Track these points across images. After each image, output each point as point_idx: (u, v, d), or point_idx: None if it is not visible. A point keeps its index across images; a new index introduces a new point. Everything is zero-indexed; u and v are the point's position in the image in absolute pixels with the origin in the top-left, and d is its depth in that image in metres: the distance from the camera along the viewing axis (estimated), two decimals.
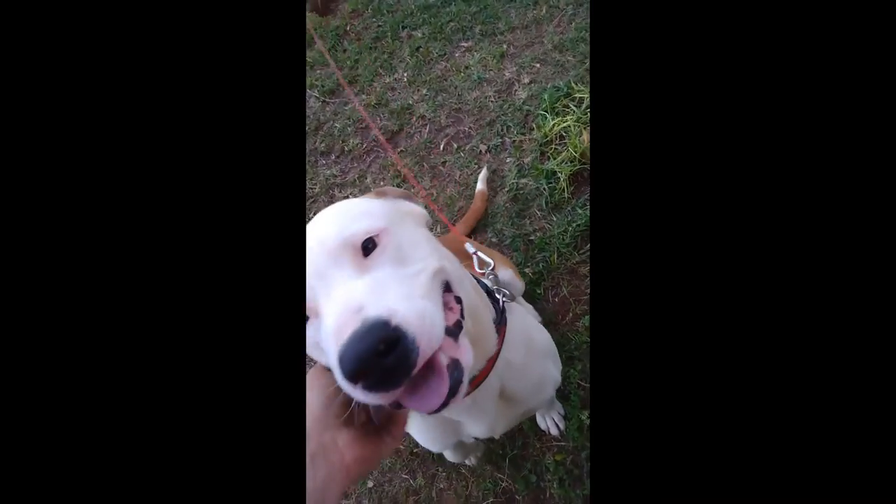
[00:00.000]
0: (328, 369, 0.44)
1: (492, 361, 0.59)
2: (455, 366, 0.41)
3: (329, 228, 0.47)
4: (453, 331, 0.44)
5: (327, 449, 0.43)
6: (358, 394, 0.38)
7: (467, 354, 0.43)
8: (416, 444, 1.23)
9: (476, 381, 0.57)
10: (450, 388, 0.40)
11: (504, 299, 0.65)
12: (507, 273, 1.08)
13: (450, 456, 1.03)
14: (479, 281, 0.66)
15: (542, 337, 0.79)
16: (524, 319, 0.75)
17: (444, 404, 0.40)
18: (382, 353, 0.36)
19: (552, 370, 0.78)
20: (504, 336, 0.61)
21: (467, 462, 1.18)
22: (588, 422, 1.13)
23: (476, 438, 0.76)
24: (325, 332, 0.41)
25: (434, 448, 0.80)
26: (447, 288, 0.48)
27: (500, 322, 0.62)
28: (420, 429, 0.73)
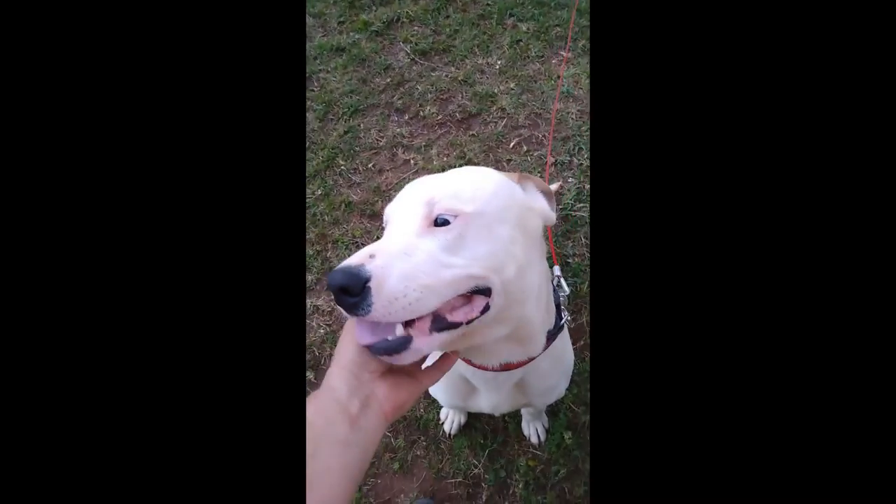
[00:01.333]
0: None
1: (531, 359, 0.65)
2: (403, 341, 0.47)
3: (434, 184, 0.54)
4: (443, 325, 0.49)
5: (369, 400, 0.48)
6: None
7: (427, 346, 0.48)
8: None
9: (510, 367, 0.64)
10: (376, 345, 0.46)
11: (567, 319, 0.72)
12: None
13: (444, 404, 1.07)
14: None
15: (570, 357, 0.88)
16: (564, 339, 0.81)
17: (370, 347, 0.47)
18: (346, 293, 0.44)
19: (562, 385, 0.88)
20: (550, 346, 0.67)
21: (446, 428, 1.28)
22: (569, 441, 1.22)
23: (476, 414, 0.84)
24: None
25: (439, 397, 0.89)
26: (480, 291, 0.52)
27: (554, 335, 0.67)
28: (442, 386, 0.82)
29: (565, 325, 0.72)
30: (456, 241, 0.50)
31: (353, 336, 0.49)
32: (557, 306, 0.70)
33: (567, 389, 1.29)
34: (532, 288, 0.57)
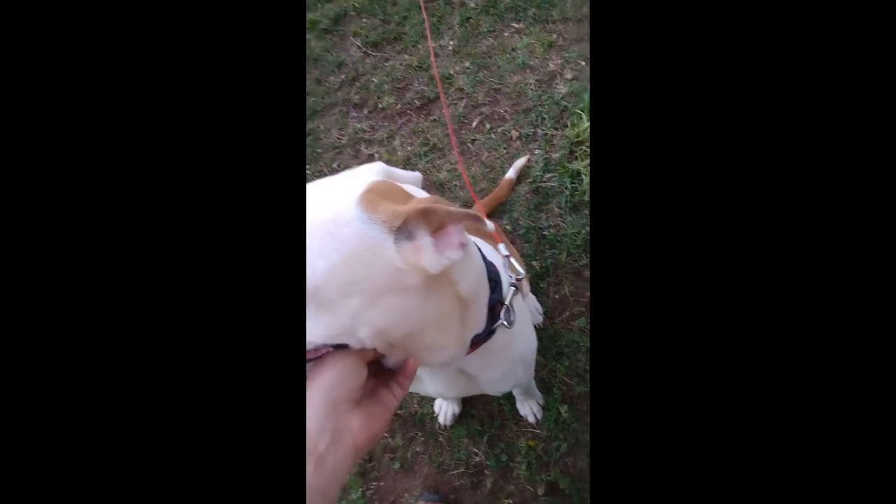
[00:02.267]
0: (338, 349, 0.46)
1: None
2: None
3: None
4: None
5: (341, 434, 0.44)
6: None
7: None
8: (402, 407, 1.30)
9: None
10: None
11: (502, 322, 0.62)
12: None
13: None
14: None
15: (520, 348, 0.74)
16: (508, 334, 0.66)
17: None
18: None
19: (519, 373, 0.78)
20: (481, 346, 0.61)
21: (441, 420, 1.25)
22: (566, 415, 1.20)
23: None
24: None
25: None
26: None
27: (483, 339, 0.60)
28: None
29: (505, 323, 0.62)
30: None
31: (337, 363, 0.46)
32: (492, 308, 0.61)
33: (557, 362, 1.28)
34: (425, 328, 0.50)
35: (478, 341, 0.59)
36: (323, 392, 0.45)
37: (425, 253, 0.46)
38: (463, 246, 0.48)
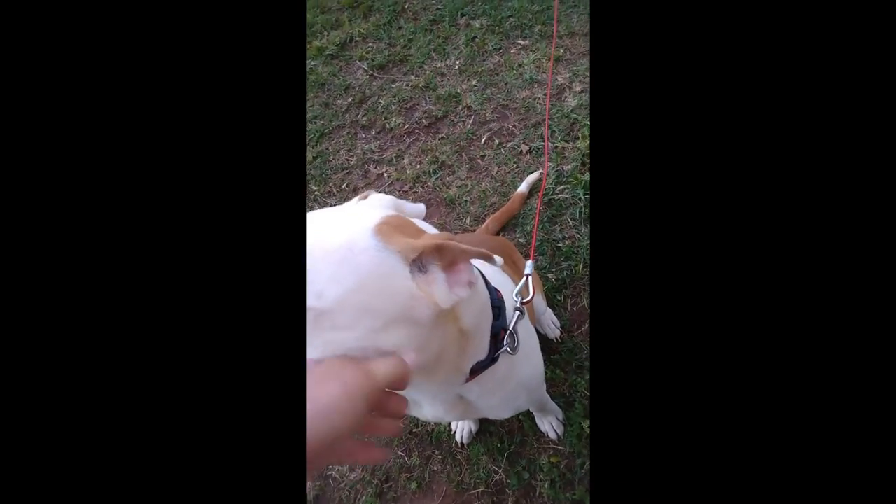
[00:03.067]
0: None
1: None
2: None
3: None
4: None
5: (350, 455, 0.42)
6: None
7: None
8: (417, 425, 1.27)
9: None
10: None
11: (506, 349, 0.61)
12: (537, 297, 1.09)
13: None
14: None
15: (527, 373, 0.73)
16: (510, 360, 0.65)
17: None
18: None
19: (521, 399, 0.76)
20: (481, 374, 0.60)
21: (458, 438, 1.21)
22: (589, 431, 1.16)
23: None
24: None
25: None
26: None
27: (485, 366, 0.59)
28: None
29: (509, 350, 0.61)
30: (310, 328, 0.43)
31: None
32: (496, 335, 0.60)
33: (578, 376, 1.24)
34: (426, 357, 0.49)
35: (479, 368, 0.58)
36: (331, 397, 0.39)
37: (437, 287, 0.46)
38: (472, 284, 0.48)
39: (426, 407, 0.70)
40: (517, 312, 0.65)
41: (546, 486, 1.14)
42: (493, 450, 1.20)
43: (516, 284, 0.71)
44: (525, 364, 0.71)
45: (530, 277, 0.72)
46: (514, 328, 0.62)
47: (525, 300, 0.68)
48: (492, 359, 0.59)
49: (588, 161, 1.56)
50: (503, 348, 0.61)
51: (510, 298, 0.67)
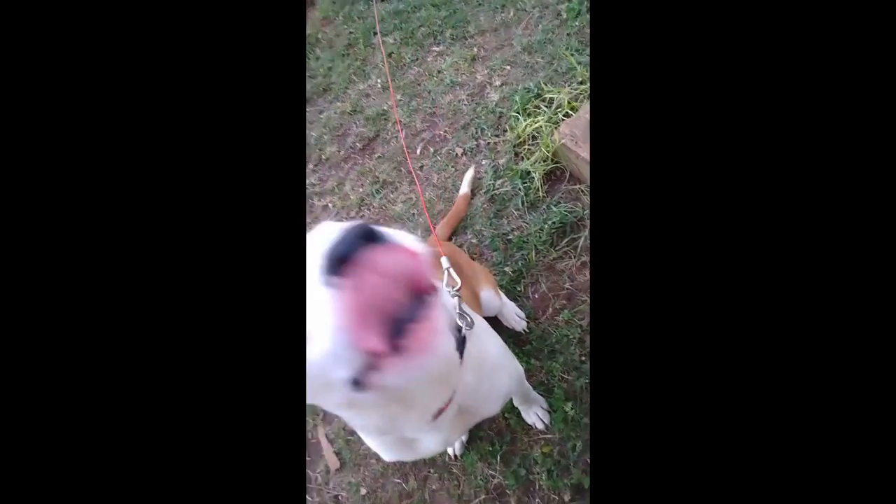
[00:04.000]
0: None
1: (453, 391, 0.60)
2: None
3: None
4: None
5: None
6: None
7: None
8: None
9: (440, 411, 0.59)
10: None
11: (466, 328, 0.65)
12: (487, 293, 1.12)
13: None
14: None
15: (494, 351, 0.79)
16: (480, 340, 0.72)
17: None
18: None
19: (503, 380, 0.79)
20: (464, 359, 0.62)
21: (450, 451, 1.20)
22: (573, 412, 1.16)
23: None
24: None
25: (383, 454, 0.79)
26: None
27: (461, 351, 0.62)
28: (380, 446, 0.74)
29: (466, 327, 0.66)
30: None
31: None
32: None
33: (552, 360, 1.24)
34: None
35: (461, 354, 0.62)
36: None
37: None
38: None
39: (428, 438, 0.70)
40: (455, 298, 0.71)
41: (544, 477, 1.13)
42: (486, 454, 1.19)
43: (458, 284, 0.75)
44: (486, 336, 0.78)
45: (450, 269, 0.77)
46: (461, 309, 0.68)
47: (457, 288, 0.73)
48: (461, 341, 0.63)
49: (519, 150, 1.58)
50: (463, 328, 0.65)
51: (444, 292, 0.71)
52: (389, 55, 2.10)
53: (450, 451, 1.21)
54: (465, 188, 1.55)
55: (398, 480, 1.23)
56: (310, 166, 1.94)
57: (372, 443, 0.75)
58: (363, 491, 1.25)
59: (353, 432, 1.31)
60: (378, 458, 1.26)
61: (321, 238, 0.49)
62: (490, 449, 1.19)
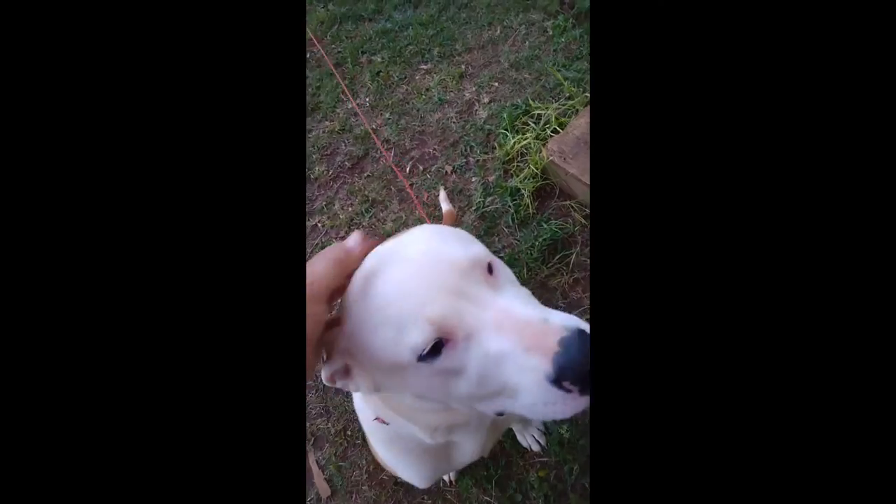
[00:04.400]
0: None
1: None
2: None
3: (453, 248, 0.45)
4: None
5: None
6: (570, 402, 0.40)
7: None
8: None
9: None
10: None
11: None
12: None
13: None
14: None
15: None
16: None
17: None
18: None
19: None
20: None
21: (445, 477, 1.18)
22: (568, 435, 1.14)
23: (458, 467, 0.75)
24: (496, 350, 0.41)
25: (424, 484, 0.78)
26: None
27: None
28: (412, 465, 0.72)
29: None
30: (506, 273, 0.49)
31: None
32: None
33: None
34: None
35: None
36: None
37: None
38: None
39: (466, 445, 0.67)
40: None
41: (540, 502, 1.11)
42: (480, 479, 1.17)
43: None
44: None
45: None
46: None
47: None
48: None
49: (509, 167, 1.58)
50: None
51: None
52: (377, 74, 2.11)
53: (444, 477, 1.18)
54: (445, 206, 1.53)
55: None
56: None
57: (407, 471, 0.73)
58: None
59: (344, 458, 1.28)
60: (371, 485, 1.23)
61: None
62: (485, 474, 1.17)
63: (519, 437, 1.17)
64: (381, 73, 2.10)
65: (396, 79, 2.06)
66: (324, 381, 0.50)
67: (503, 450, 1.19)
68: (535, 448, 1.16)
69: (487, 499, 1.14)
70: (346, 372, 0.49)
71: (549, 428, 1.17)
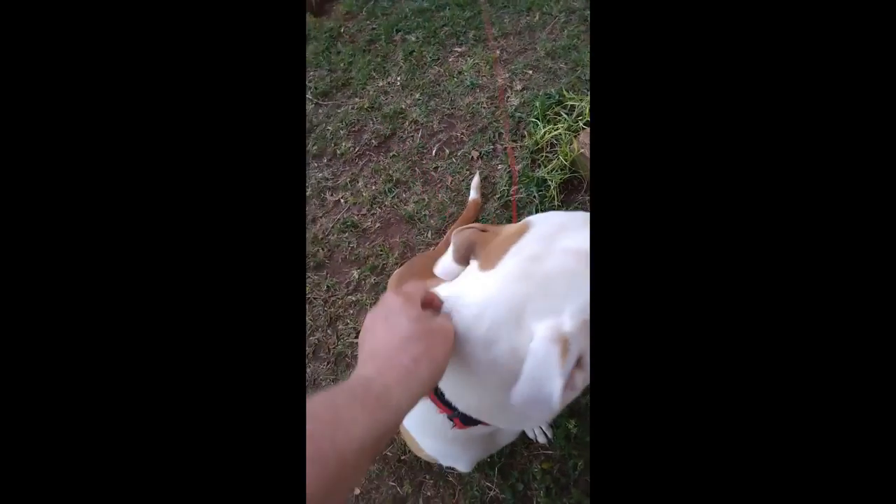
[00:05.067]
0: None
1: None
2: None
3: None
4: None
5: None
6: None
7: None
8: (405, 451, 1.23)
9: None
10: None
11: None
12: None
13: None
14: None
15: None
16: None
17: None
18: None
19: None
20: None
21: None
22: (576, 430, 1.13)
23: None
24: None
25: (468, 468, 0.78)
26: None
27: None
28: (458, 453, 0.71)
29: None
30: None
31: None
32: None
33: None
34: None
35: None
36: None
37: None
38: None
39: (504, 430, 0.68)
40: None
41: (542, 494, 1.11)
42: (483, 466, 1.17)
43: None
44: None
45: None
46: None
47: None
48: None
49: (537, 157, 1.56)
50: None
51: None
52: (411, 53, 2.09)
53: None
54: (473, 194, 1.52)
55: (393, 483, 1.21)
56: (324, 160, 1.92)
57: (451, 459, 0.73)
58: (357, 491, 1.23)
59: None
60: (374, 459, 1.25)
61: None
62: (488, 461, 1.17)
63: (526, 429, 1.17)
64: (415, 53, 2.08)
65: (429, 60, 2.04)
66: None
67: None
68: (542, 440, 1.16)
69: (488, 485, 1.15)
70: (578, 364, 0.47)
71: (556, 422, 1.17)
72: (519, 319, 0.46)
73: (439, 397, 0.55)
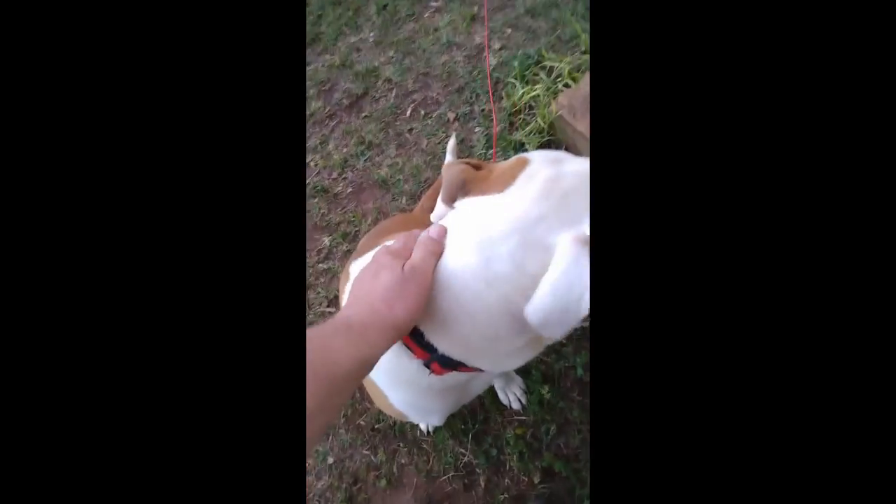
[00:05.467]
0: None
1: None
2: None
3: None
4: None
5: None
6: None
7: None
8: (379, 420, 1.22)
9: None
10: None
11: None
12: None
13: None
14: None
15: None
16: None
17: None
18: None
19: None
20: None
21: (423, 427, 1.18)
22: (549, 396, 1.14)
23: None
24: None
25: (440, 420, 0.80)
26: None
27: None
28: (429, 406, 0.70)
29: None
30: None
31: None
32: None
33: None
34: None
35: None
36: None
37: None
38: None
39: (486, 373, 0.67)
40: None
41: (515, 458, 1.12)
42: (457, 433, 1.17)
43: None
44: None
45: None
46: None
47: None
48: None
49: (514, 120, 1.51)
50: None
51: None
52: (384, 7, 1.98)
53: (423, 426, 1.19)
54: (449, 156, 1.47)
55: (367, 452, 1.21)
56: None
57: (422, 413, 0.74)
58: (330, 460, 1.22)
59: None
60: (348, 428, 1.23)
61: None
62: (462, 427, 1.17)
63: (500, 395, 1.17)
64: (388, 7, 1.98)
65: (404, 15, 1.95)
66: None
67: (482, 405, 1.19)
68: (516, 406, 1.16)
69: (462, 451, 1.15)
70: None
71: (529, 388, 1.17)
72: (540, 236, 0.47)
73: (417, 340, 0.52)
